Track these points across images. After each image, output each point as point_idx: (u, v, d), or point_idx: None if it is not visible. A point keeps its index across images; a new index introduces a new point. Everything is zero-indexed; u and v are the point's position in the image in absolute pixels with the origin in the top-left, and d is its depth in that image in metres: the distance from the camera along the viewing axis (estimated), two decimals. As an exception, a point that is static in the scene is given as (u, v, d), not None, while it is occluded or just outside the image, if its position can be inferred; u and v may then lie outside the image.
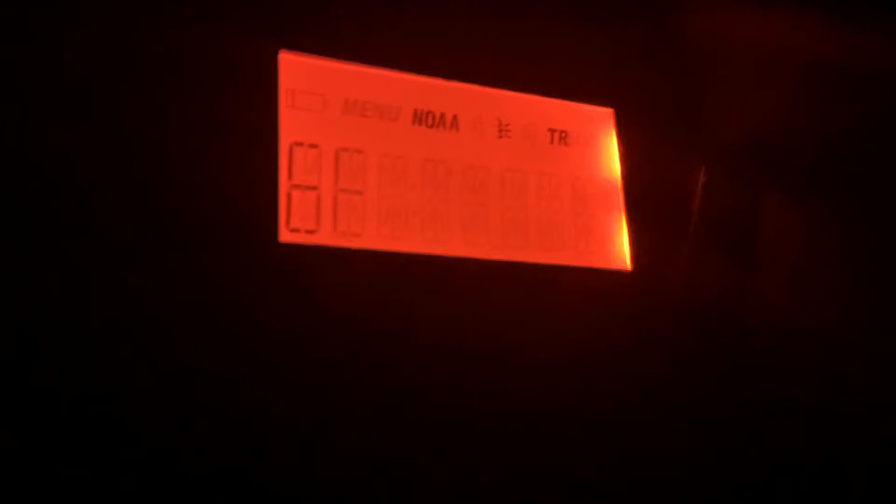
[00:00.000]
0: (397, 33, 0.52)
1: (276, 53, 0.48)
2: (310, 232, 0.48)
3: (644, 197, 0.55)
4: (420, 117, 0.52)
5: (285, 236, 0.47)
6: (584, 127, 0.56)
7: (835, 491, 0.51)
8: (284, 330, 0.45)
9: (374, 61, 0.51)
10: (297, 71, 0.49)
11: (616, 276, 0.54)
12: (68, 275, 0.40)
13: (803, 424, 0.51)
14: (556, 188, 0.54)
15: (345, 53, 0.50)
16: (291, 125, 0.48)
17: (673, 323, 0.53)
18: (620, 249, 0.55)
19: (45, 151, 0.42)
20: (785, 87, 0.57)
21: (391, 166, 0.51)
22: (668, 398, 0.52)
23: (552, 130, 0.55)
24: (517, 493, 0.47)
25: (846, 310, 0.54)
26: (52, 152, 0.42)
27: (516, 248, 0.52)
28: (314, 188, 0.48)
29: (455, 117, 0.53)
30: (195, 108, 0.46)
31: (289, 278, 0.46)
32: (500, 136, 0.54)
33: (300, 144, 0.49)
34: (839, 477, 0.51)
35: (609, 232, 0.55)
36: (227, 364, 0.42)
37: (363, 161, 0.50)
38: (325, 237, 0.48)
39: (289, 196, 0.48)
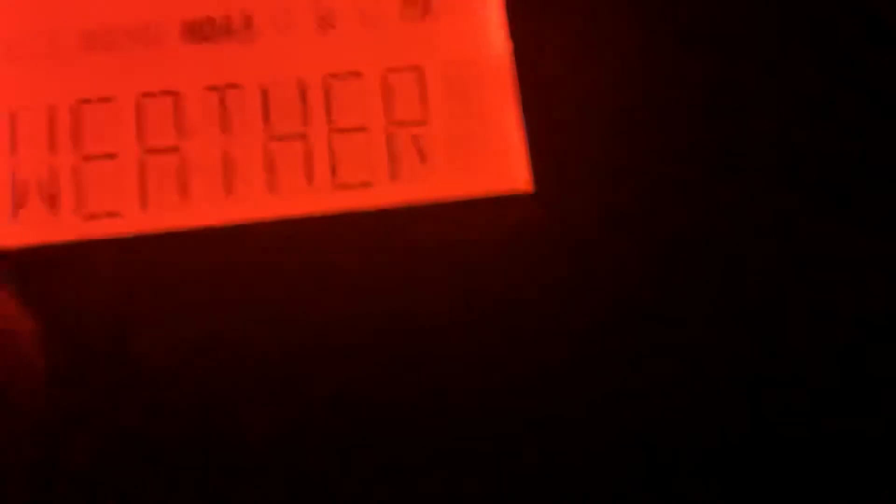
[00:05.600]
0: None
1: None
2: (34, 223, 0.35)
3: (549, 83, 0.37)
4: (194, 29, 0.37)
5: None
6: (452, -15, 0.38)
7: None
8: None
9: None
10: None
11: (513, 201, 0.36)
12: None
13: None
14: (415, 86, 0.37)
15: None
16: (3, 84, 0.36)
17: (590, 262, 0.35)
18: (518, 163, 0.37)
19: None
20: None
21: (156, 110, 0.37)
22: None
23: (405, 0, 0.38)
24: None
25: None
26: None
27: (357, 189, 0.36)
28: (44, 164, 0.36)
29: (247, 17, 0.37)
30: None
31: (5, 298, 0.34)
32: (322, 31, 0.37)
33: (26, 108, 0.36)
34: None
35: (500, 139, 0.37)
36: None
37: (114, 111, 0.36)
38: (57, 232, 0.36)
39: (13, 180, 0.36)
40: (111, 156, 0.36)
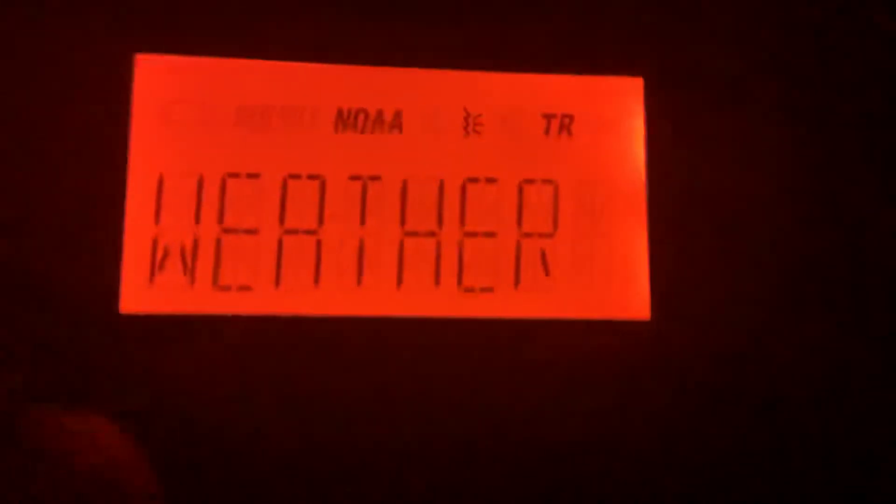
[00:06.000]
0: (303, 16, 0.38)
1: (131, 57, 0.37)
2: (173, 292, 0.37)
3: (678, 214, 0.38)
4: (345, 119, 0.38)
5: (131, 304, 0.36)
6: (597, 107, 0.39)
7: None
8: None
9: (273, 54, 0.38)
10: (159, 75, 0.38)
11: (628, 327, 0.37)
12: None
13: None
14: (548, 199, 0.38)
15: (227, 48, 0.38)
16: (158, 148, 0.37)
17: (695, 398, 0.36)
18: (639, 290, 0.38)
19: None
20: None
21: (300, 192, 0.38)
22: None
23: (549, 116, 0.39)
24: None
25: None
26: None
27: (480, 294, 0.37)
28: (190, 233, 0.37)
29: (397, 113, 0.39)
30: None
31: (135, 362, 0.35)
32: (467, 135, 0.39)
33: (174, 174, 0.38)
34: None
35: (624, 264, 0.38)
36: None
37: (259, 188, 0.38)
38: (191, 301, 0.37)
39: (154, 244, 0.37)
40: (251, 231, 0.37)
